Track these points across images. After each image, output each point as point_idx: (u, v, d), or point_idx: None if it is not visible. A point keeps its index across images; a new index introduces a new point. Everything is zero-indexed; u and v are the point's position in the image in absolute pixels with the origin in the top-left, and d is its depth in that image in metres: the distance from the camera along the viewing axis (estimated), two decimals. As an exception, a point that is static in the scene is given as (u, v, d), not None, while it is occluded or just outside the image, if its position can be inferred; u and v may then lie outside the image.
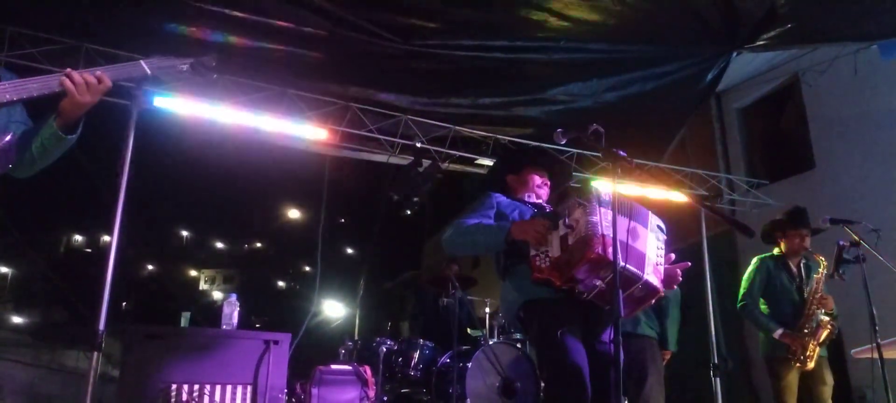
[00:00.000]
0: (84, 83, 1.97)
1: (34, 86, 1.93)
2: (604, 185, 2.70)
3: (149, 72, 2.15)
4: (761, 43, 5.48)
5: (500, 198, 3.05)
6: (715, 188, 7.92)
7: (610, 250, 2.48)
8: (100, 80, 2.00)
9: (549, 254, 2.64)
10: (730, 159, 8.89)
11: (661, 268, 2.75)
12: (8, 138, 1.82)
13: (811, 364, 4.34)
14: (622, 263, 2.49)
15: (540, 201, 3.16)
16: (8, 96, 1.89)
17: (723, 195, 7.98)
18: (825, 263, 4.40)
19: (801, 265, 4.67)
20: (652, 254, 2.71)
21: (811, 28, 5.35)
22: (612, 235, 2.52)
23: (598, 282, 2.59)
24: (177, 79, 2.26)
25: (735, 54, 5.92)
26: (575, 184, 6.83)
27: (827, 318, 4.35)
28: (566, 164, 3.52)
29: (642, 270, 2.62)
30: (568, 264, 2.57)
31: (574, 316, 2.69)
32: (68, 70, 1.98)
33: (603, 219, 2.58)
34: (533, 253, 2.67)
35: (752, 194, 8.05)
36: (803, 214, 4.69)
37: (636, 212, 2.75)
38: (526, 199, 3.11)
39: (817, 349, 4.37)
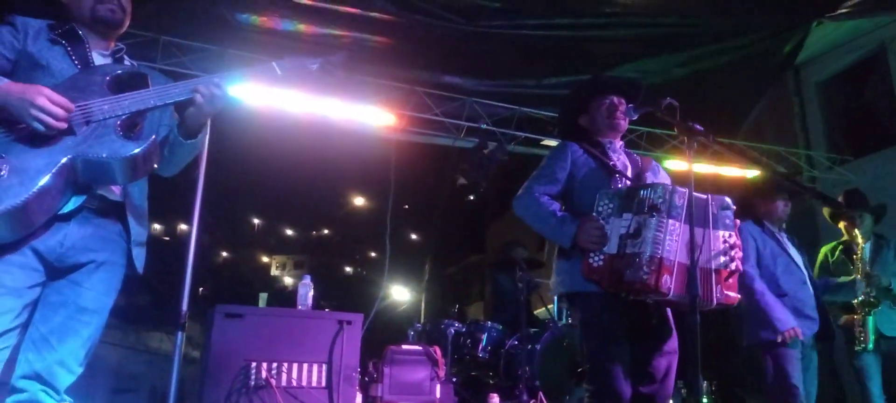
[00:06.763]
0: (211, 95, 2.01)
1: (176, 92, 2.00)
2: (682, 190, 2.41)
3: (280, 73, 2.17)
4: (843, 11, 5.21)
5: (575, 150, 2.87)
6: (794, 165, 7.59)
7: (665, 278, 2.33)
8: (218, 87, 2.02)
9: (606, 250, 2.51)
10: (810, 135, 8.46)
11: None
12: (152, 138, 1.90)
13: (864, 343, 4.22)
14: (674, 292, 2.36)
15: (618, 150, 2.94)
16: (152, 102, 1.96)
17: (802, 172, 7.62)
18: (861, 242, 4.28)
19: (867, 246, 4.49)
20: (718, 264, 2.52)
21: (899, -8, 5.05)
22: (678, 259, 2.36)
23: (647, 299, 2.51)
24: (305, 79, 2.28)
25: (814, 24, 5.64)
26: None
27: (862, 295, 4.24)
28: (634, 80, 3.29)
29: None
30: (619, 274, 2.44)
31: (619, 313, 2.58)
32: (198, 86, 2.00)
33: (671, 236, 2.38)
34: (589, 251, 2.56)
35: (835, 171, 7.67)
36: (854, 196, 4.57)
37: (719, 220, 2.53)
38: (607, 147, 2.90)
39: (867, 325, 4.23)
